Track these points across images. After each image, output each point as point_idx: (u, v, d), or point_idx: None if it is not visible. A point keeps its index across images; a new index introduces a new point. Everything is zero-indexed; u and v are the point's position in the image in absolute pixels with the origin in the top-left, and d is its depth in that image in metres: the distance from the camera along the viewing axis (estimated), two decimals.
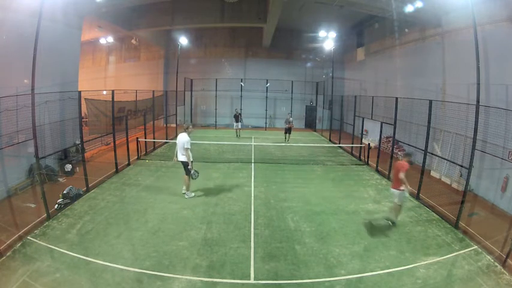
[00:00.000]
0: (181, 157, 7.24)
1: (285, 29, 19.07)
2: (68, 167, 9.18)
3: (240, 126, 16.95)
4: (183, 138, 7.15)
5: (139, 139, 11.43)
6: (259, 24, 16.44)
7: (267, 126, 21.19)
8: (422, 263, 4.82)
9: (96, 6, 11.32)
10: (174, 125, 17.26)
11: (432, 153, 8.76)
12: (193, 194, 7.40)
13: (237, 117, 16.74)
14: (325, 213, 6.72)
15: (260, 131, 20.34)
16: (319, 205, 7.20)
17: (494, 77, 7.80)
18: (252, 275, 4.44)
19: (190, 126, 7.56)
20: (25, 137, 6.31)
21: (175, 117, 16.95)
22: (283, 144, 14.62)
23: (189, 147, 7.12)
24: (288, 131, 15.63)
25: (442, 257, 5.02)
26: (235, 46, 21.90)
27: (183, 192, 7.43)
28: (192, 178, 7.23)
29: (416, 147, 9.08)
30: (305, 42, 20.39)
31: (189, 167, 7.16)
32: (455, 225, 6.11)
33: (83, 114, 9.00)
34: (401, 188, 5.93)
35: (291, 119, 15.83)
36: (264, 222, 6.22)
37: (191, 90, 20.72)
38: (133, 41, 20.12)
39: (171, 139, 15.02)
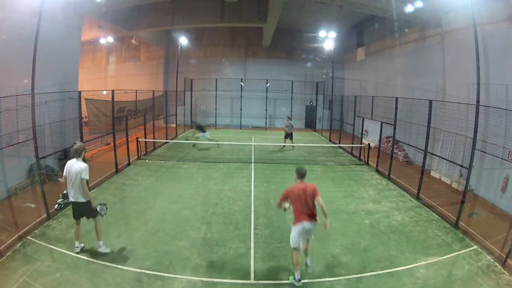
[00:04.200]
0: (78, 196, 4.72)
1: (285, 29, 19.07)
2: None
3: (206, 136, 13.92)
4: (77, 167, 4.69)
5: (139, 139, 11.43)
6: (259, 24, 16.44)
7: (267, 126, 21.19)
8: (422, 263, 4.82)
9: (96, 6, 11.31)
10: (174, 125, 17.28)
11: (432, 153, 8.76)
12: (108, 250, 4.88)
13: (202, 127, 14.15)
14: None
15: (260, 131, 20.33)
16: None
17: (494, 77, 7.80)
18: (252, 275, 4.45)
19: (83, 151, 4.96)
20: (25, 137, 6.30)
21: (175, 117, 16.96)
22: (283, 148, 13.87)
23: (87, 177, 4.73)
24: (289, 136, 13.62)
25: (442, 257, 5.01)
26: (235, 46, 21.91)
27: (98, 247, 4.88)
28: (101, 215, 4.96)
29: (416, 147, 9.09)
30: (305, 42, 20.40)
31: (93, 205, 4.82)
32: (455, 225, 6.11)
33: (83, 115, 8.99)
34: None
35: (291, 122, 14.09)
36: (264, 222, 6.22)
37: (191, 90, 20.72)
38: (133, 41, 20.12)
39: (171, 139, 15.04)
